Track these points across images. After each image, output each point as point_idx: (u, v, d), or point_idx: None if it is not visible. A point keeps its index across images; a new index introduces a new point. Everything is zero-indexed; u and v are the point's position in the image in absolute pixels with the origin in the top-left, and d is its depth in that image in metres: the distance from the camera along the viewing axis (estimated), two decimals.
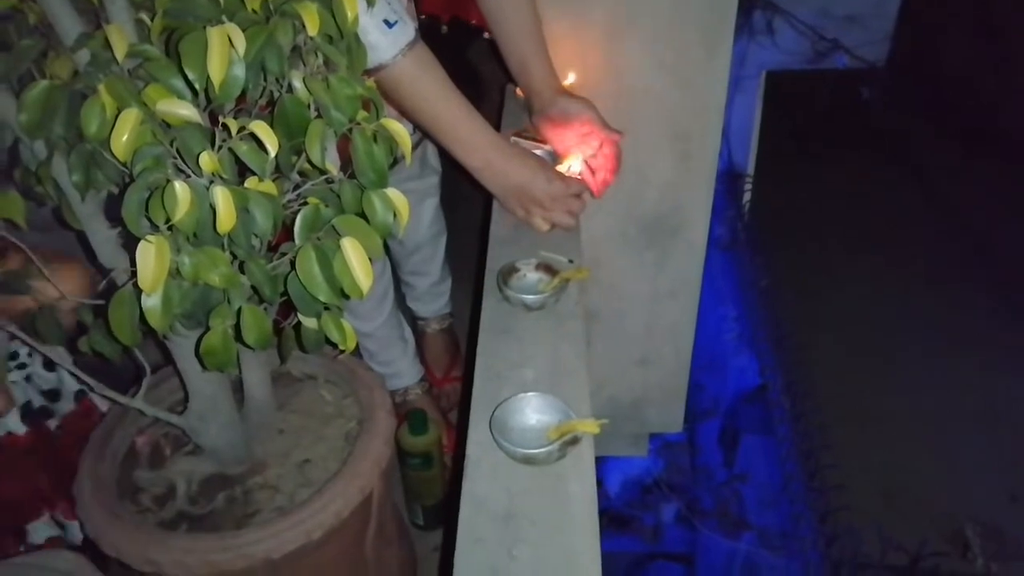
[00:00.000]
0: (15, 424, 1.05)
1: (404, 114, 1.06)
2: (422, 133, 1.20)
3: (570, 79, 1.41)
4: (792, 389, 4.21)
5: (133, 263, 0.65)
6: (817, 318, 4.71)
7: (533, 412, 0.80)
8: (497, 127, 1.37)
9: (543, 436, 0.78)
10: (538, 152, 1.21)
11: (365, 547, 1.03)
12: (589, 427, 0.76)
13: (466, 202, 1.57)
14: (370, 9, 0.92)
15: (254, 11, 0.73)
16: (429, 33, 1.22)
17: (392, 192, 0.76)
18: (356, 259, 0.71)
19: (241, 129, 0.66)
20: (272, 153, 0.66)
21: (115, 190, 0.78)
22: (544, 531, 0.72)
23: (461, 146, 1.06)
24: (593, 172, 1.26)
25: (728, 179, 5.19)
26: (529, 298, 0.94)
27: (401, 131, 0.76)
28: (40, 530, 1.10)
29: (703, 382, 4.37)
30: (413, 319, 1.72)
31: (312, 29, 0.70)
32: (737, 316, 4.78)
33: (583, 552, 0.70)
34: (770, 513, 3.87)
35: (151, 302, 0.67)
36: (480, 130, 1.06)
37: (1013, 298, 4.51)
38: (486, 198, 1.15)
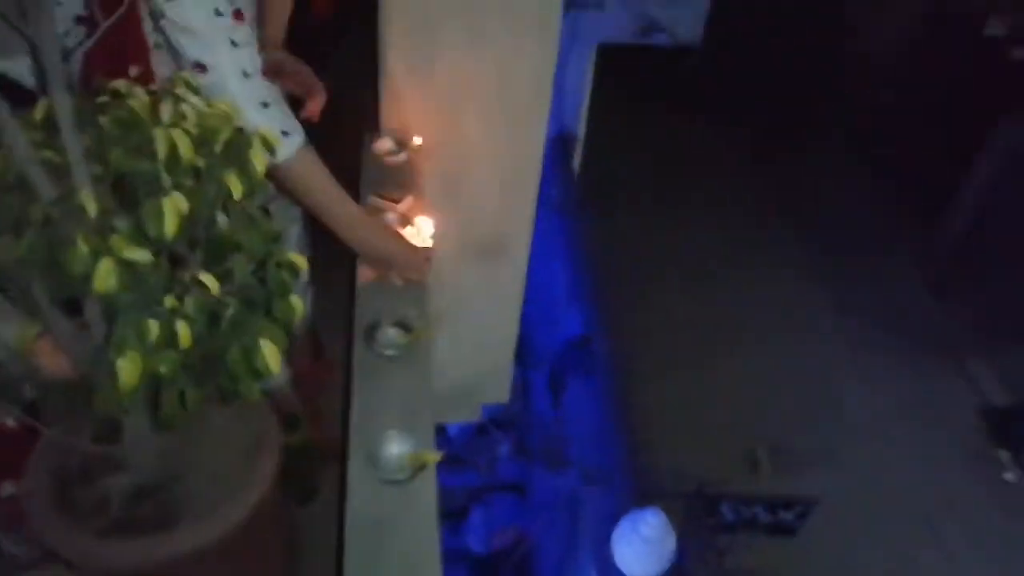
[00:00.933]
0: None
1: (292, 198, 1.35)
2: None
3: (417, 141, 1.71)
4: (610, 339, 4.72)
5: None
6: (639, 272, 5.24)
7: (394, 445, 1.15)
8: (356, 177, 1.66)
9: (402, 461, 1.13)
10: (391, 216, 1.52)
11: (265, 538, 1.35)
12: (432, 457, 1.12)
13: None
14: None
15: (186, 168, 1.00)
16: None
17: (293, 298, 1.06)
18: (270, 355, 1.02)
19: (192, 277, 0.95)
20: (215, 293, 0.95)
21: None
22: (401, 531, 1.07)
23: (339, 226, 1.35)
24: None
25: (560, 143, 5.59)
26: (388, 352, 1.27)
27: (298, 258, 1.06)
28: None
29: (534, 332, 4.77)
30: None
31: (237, 194, 0.99)
32: (565, 270, 5.18)
33: (428, 542, 1.07)
34: (589, 451, 4.34)
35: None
36: (355, 214, 1.36)
37: (823, 252, 5.32)
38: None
